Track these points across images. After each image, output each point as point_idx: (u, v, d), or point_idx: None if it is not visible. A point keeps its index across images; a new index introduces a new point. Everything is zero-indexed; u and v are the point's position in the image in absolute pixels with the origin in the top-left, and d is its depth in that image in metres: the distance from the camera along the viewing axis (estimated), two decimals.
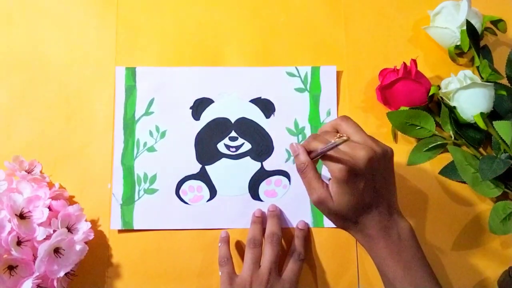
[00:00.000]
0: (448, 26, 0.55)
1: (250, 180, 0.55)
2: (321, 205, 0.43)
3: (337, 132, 0.45)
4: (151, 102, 0.56)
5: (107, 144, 0.55)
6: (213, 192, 0.54)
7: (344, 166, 0.41)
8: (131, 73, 0.56)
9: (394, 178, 0.45)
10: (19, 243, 0.46)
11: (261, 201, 0.54)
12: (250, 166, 0.55)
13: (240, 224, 0.54)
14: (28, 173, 0.52)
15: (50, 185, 0.53)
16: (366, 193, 0.42)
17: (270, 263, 0.49)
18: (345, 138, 0.40)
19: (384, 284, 0.45)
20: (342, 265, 0.54)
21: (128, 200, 0.54)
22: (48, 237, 0.47)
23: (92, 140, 0.55)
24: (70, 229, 0.49)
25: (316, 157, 0.43)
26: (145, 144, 0.55)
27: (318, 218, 0.54)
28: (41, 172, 0.54)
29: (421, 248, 0.44)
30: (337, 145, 0.40)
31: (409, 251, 0.43)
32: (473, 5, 0.55)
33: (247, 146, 0.55)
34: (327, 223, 0.54)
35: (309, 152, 0.44)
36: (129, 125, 0.55)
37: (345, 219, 0.43)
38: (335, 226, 0.54)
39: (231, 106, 0.56)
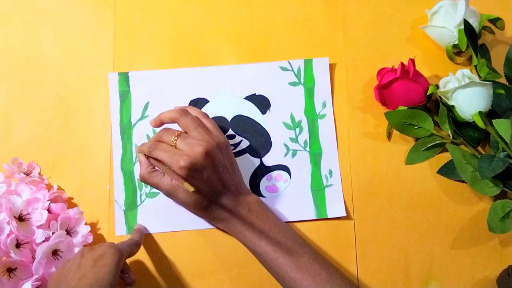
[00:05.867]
0: (445, 25, 0.55)
1: (251, 177, 0.55)
2: (171, 197, 0.49)
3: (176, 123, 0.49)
4: (146, 106, 0.56)
5: (105, 145, 0.55)
6: None
7: (185, 164, 0.45)
8: (124, 78, 0.56)
9: (236, 164, 0.52)
10: (18, 245, 0.46)
11: (263, 197, 0.54)
12: (250, 163, 0.55)
13: None
14: (27, 175, 0.52)
15: (49, 186, 0.53)
16: (212, 183, 0.47)
17: None
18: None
19: (251, 252, 0.50)
20: (341, 262, 0.54)
21: (131, 206, 0.54)
22: (47, 239, 0.47)
23: (91, 141, 0.55)
24: (69, 232, 0.49)
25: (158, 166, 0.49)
26: None
27: (321, 210, 0.54)
28: (39, 173, 0.54)
29: (273, 213, 0.51)
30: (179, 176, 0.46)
31: (260, 218, 0.49)
32: (471, 4, 0.55)
33: (245, 143, 0.55)
34: (331, 213, 0.54)
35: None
36: (126, 130, 0.55)
37: (196, 208, 0.49)
38: (338, 217, 0.54)
39: (227, 104, 0.56)
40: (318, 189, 0.55)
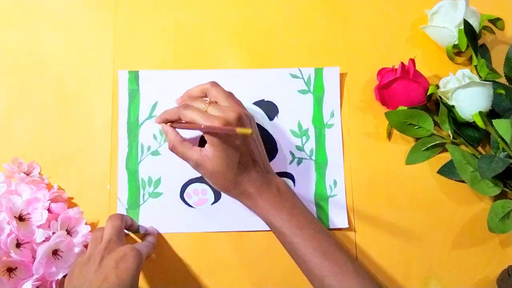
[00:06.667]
0: (446, 26, 0.55)
1: None
2: (200, 168, 0.47)
3: (206, 96, 0.50)
4: (154, 106, 0.56)
5: (106, 144, 0.55)
6: (217, 195, 0.54)
7: (219, 125, 0.44)
8: (134, 76, 0.56)
9: (261, 141, 0.51)
10: (18, 245, 0.46)
11: None
12: None
13: (245, 227, 0.53)
14: (27, 175, 0.52)
15: (49, 186, 0.53)
16: (242, 152, 0.47)
17: None
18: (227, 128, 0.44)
19: (274, 233, 0.49)
20: None
21: (133, 205, 0.54)
22: (47, 239, 0.47)
23: (91, 141, 0.55)
24: (69, 232, 0.49)
25: (190, 128, 0.48)
26: (149, 148, 0.55)
27: (323, 220, 0.54)
28: (40, 173, 0.54)
29: (299, 198, 0.50)
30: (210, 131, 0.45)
31: (290, 201, 0.49)
32: (471, 4, 0.55)
33: None
34: (332, 224, 0.54)
35: (179, 120, 0.48)
36: (133, 129, 0.55)
37: (225, 180, 0.47)
38: (339, 227, 0.54)
39: None
40: (321, 198, 0.55)
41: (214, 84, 0.49)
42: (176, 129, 0.49)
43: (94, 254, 0.44)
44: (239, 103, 0.49)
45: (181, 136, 0.48)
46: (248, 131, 0.43)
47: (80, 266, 0.44)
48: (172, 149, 0.48)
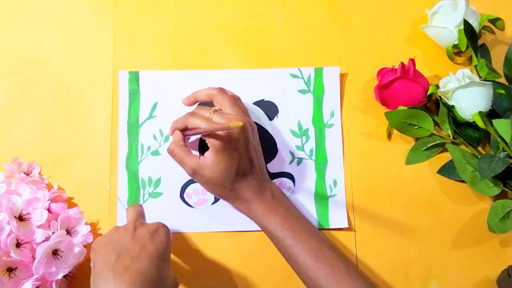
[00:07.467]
0: (446, 26, 0.55)
1: None
2: (196, 175, 0.48)
3: (211, 101, 0.50)
4: (154, 106, 0.56)
5: (106, 144, 0.55)
6: None
7: (221, 135, 0.46)
8: (134, 77, 0.56)
9: (261, 150, 0.52)
10: (18, 245, 0.46)
11: None
12: None
13: (245, 227, 0.53)
14: (27, 175, 0.52)
15: (49, 186, 0.53)
16: (242, 160, 0.48)
17: None
18: (225, 125, 0.45)
19: (269, 237, 0.49)
20: None
21: None
22: (47, 239, 0.47)
23: (91, 141, 0.55)
24: (69, 232, 0.49)
25: (195, 134, 0.49)
26: (149, 148, 0.55)
27: (323, 220, 0.54)
28: (39, 173, 0.54)
29: (292, 203, 0.51)
30: (214, 131, 0.46)
31: (283, 205, 0.50)
32: (471, 4, 0.55)
33: None
34: (333, 224, 0.54)
35: (186, 128, 0.49)
36: (133, 129, 0.55)
37: (222, 186, 0.48)
38: (339, 227, 0.54)
39: None
40: (321, 198, 0.55)
41: (221, 90, 0.50)
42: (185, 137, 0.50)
43: (124, 227, 0.45)
44: (244, 111, 0.50)
45: (184, 141, 0.49)
46: (239, 123, 0.43)
47: (108, 237, 0.44)
48: (171, 152, 0.49)
